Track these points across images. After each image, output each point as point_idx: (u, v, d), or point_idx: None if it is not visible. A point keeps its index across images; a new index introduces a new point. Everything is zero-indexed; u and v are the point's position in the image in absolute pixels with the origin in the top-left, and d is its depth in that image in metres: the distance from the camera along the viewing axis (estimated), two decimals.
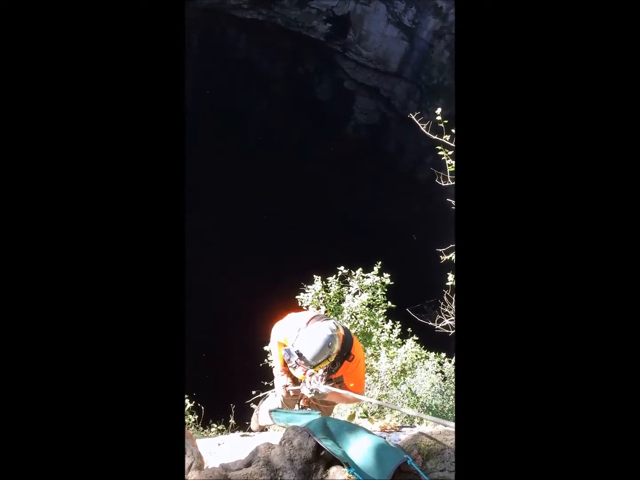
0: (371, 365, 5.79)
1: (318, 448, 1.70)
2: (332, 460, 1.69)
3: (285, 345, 2.71)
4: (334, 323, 2.53)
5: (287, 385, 2.84)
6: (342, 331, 2.62)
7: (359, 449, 1.72)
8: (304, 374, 2.59)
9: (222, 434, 5.36)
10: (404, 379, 5.74)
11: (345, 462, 1.62)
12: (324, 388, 2.52)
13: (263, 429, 3.37)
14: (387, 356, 5.75)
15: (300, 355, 2.44)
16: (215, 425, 5.51)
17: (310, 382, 2.59)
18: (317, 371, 2.56)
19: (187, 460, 1.70)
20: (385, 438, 1.91)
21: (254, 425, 3.49)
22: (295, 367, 2.60)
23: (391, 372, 5.70)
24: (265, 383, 5.77)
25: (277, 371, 2.94)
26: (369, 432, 1.87)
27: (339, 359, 2.56)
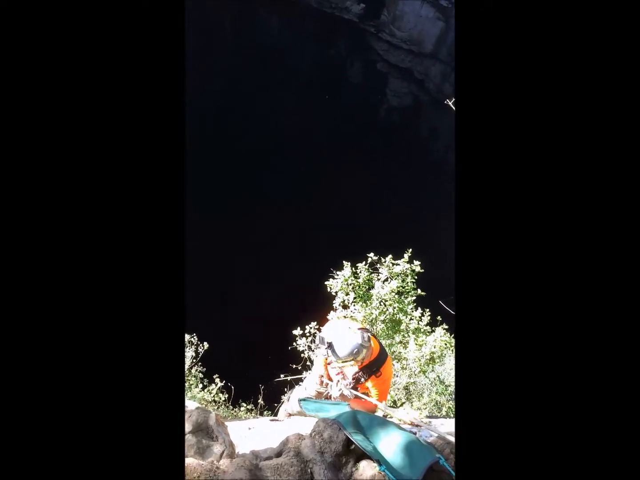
0: (399, 352, 5.77)
1: (348, 441, 1.70)
2: (361, 455, 1.69)
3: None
4: (368, 337, 2.89)
5: (322, 376, 3.16)
6: (377, 347, 2.97)
7: (390, 445, 1.71)
8: (337, 374, 2.97)
9: (251, 413, 5.47)
10: (433, 367, 5.70)
11: (376, 458, 1.61)
12: (348, 392, 2.89)
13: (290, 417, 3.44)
14: (416, 344, 5.72)
15: (330, 346, 2.81)
16: (245, 405, 5.62)
17: (339, 383, 2.96)
18: (339, 364, 2.88)
19: (219, 448, 1.73)
20: (416, 434, 1.90)
21: (281, 414, 3.59)
22: (339, 373, 2.96)
23: (419, 360, 5.66)
24: (294, 366, 5.83)
25: (319, 362, 3.23)
26: (400, 427, 1.86)
27: (368, 372, 2.92)
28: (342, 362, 2.81)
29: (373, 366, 2.91)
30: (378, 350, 2.96)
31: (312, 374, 3.35)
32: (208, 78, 16.24)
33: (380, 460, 1.60)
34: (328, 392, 3.10)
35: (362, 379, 2.93)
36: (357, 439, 1.68)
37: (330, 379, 3.13)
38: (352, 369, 2.92)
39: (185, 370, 5.30)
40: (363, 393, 2.93)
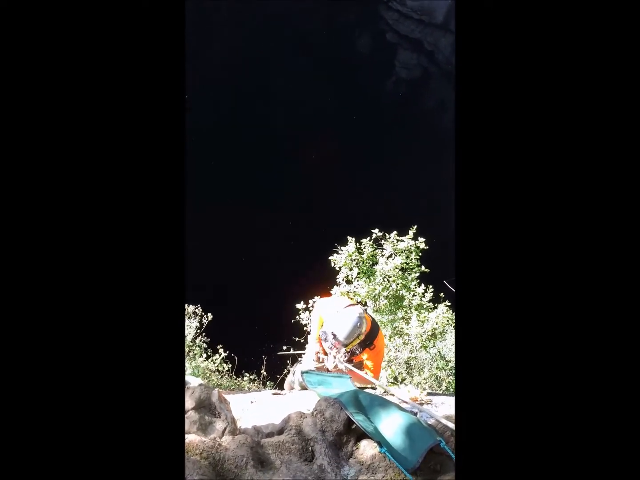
0: (401, 328, 5.81)
1: (349, 421, 1.72)
2: (362, 434, 1.71)
3: (322, 320, 3.22)
4: (361, 308, 2.98)
5: (318, 352, 3.24)
6: (369, 320, 3.05)
7: (391, 426, 1.72)
8: (331, 349, 3.03)
9: (253, 383, 5.56)
10: (434, 343, 5.75)
11: (376, 439, 1.62)
12: (343, 366, 2.95)
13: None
14: (418, 320, 5.75)
15: (334, 336, 2.90)
16: (248, 375, 5.71)
17: (334, 357, 3.02)
18: (348, 350, 2.97)
19: (222, 425, 1.75)
20: (417, 414, 1.91)
21: (286, 386, 3.65)
22: (331, 348, 3.01)
23: (421, 336, 5.71)
24: (296, 339, 5.90)
25: (313, 339, 3.32)
26: (401, 408, 1.87)
27: (362, 345, 2.99)
28: (351, 343, 2.89)
29: (367, 339, 3.00)
30: (370, 323, 3.04)
31: (308, 352, 3.43)
32: (210, 47, 15.94)
33: (381, 442, 1.61)
34: (324, 366, 3.17)
35: (357, 352, 3.01)
36: (359, 419, 1.69)
37: (325, 354, 3.20)
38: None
39: (190, 340, 5.38)
40: (358, 363, 3.03)
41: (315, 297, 5.87)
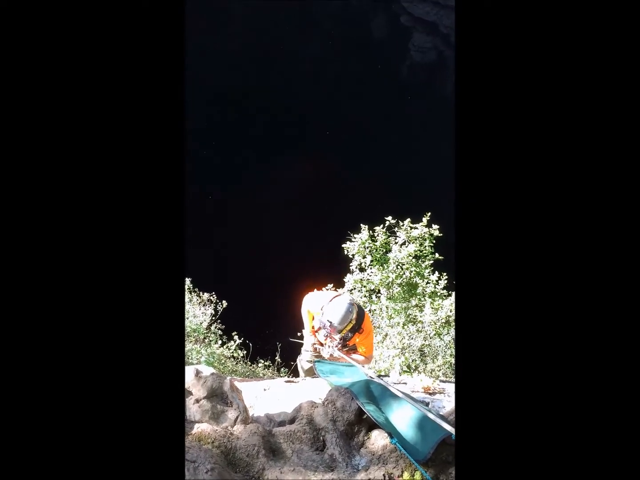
0: (415, 315, 5.79)
1: (360, 411, 1.72)
2: (373, 424, 1.70)
3: (312, 314, 3.43)
4: (348, 296, 3.21)
5: (314, 343, 3.48)
6: (356, 305, 3.23)
7: (402, 417, 1.72)
8: (325, 339, 3.26)
9: (268, 370, 5.61)
10: (448, 330, 5.73)
11: (387, 430, 1.62)
12: (337, 353, 3.18)
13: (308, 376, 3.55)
14: (432, 307, 5.73)
15: (330, 323, 3.08)
16: (262, 361, 5.76)
17: (329, 347, 3.25)
18: (343, 334, 3.16)
19: (234, 413, 1.76)
20: (428, 404, 1.91)
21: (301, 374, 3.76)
22: (326, 336, 3.24)
23: (435, 324, 5.69)
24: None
25: (307, 332, 3.55)
26: (413, 399, 1.86)
27: (352, 330, 3.20)
28: (345, 328, 3.09)
29: (355, 324, 3.19)
30: (357, 309, 3.23)
31: (305, 344, 3.62)
32: (225, 31, 15.86)
33: (392, 433, 1.61)
34: (322, 356, 3.35)
35: (349, 337, 3.22)
36: (370, 409, 1.69)
37: (321, 344, 3.40)
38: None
39: (205, 327, 5.44)
40: (352, 347, 3.26)
41: (329, 285, 5.88)
